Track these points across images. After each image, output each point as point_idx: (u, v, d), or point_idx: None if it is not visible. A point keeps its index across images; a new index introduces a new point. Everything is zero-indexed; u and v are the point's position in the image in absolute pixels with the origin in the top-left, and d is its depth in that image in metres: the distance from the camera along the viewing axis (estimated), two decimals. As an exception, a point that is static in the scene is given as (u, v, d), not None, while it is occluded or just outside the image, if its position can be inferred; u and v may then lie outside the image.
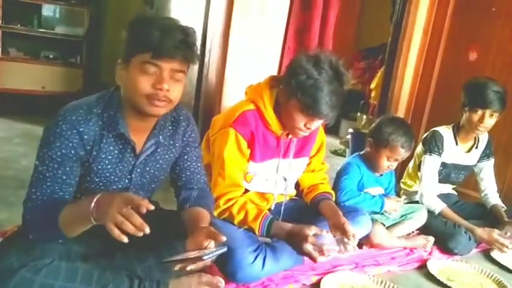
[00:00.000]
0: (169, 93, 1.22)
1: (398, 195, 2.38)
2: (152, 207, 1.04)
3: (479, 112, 2.25)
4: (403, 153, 2.10)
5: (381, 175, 2.26)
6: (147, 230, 1.01)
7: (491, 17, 2.91)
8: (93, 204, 1.08)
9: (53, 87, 4.58)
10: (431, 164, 2.38)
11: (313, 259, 1.54)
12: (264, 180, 1.81)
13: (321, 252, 1.53)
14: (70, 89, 4.60)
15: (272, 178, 1.82)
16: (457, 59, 3.08)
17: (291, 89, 1.59)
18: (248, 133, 1.67)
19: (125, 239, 1.00)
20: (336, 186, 2.17)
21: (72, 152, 1.23)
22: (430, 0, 3.15)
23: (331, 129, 1.80)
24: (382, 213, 2.20)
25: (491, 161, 2.51)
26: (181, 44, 1.19)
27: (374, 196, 2.17)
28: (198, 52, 1.30)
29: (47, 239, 1.22)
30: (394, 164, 2.17)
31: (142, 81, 1.20)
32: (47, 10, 4.63)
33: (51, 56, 4.63)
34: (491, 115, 2.25)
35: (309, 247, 1.52)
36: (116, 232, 1.00)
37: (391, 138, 2.08)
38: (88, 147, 1.26)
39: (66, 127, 1.21)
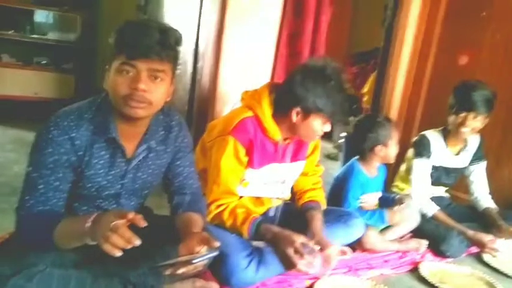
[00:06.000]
0: (148, 94, 1.20)
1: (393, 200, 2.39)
2: (143, 224, 1.05)
3: (462, 114, 2.28)
4: (396, 136, 2.23)
5: (377, 176, 2.31)
6: (137, 242, 1.01)
7: (481, 22, 2.94)
8: (89, 223, 1.08)
9: (45, 93, 4.57)
10: (421, 168, 2.40)
11: (294, 264, 1.52)
12: (263, 184, 1.82)
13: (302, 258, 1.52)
14: (63, 95, 4.59)
15: (270, 182, 1.83)
16: (449, 63, 3.10)
17: (308, 107, 1.65)
18: (247, 141, 1.68)
19: (118, 253, 1.00)
20: (335, 191, 2.25)
21: (65, 157, 1.23)
22: (421, 5, 3.17)
23: (324, 134, 1.82)
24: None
25: (483, 163, 2.53)
26: (156, 44, 1.18)
27: (374, 213, 2.22)
28: (179, 51, 1.29)
29: (40, 249, 1.22)
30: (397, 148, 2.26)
31: (119, 83, 1.19)
32: (40, 16, 4.62)
33: (43, 62, 4.62)
34: (475, 117, 2.27)
35: (292, 252, 1.52)
36: (107, 247, 1.00)
37: (381, 136, 2.18)
38: (80, 153, 1.26)
39: (58, 133, 1.21)
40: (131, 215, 1.04)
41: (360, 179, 2.23)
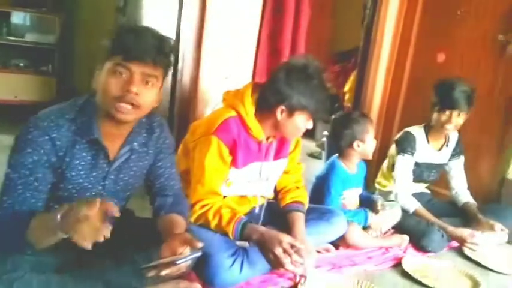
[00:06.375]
0: (139, 98, 1.21)
1: (373, 205, 2.40)
2: (115, 210, 1.02)
3: (447, 112, 2.33)
4: (372, 131, 2.25)
5: (357, 172, 2.33)
6: (108, 234, 0.99)
7: (458, 20, 2.99)
8: (58, 216, 1.04)
9: (26, 96, 4.48)
10: (404, 164, 2.43)
11: (282, 264, 1.52)
12: (246, 182, 1.82)
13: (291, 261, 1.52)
14: (43, 97, 4.50)
15: (254, 180, 1.83)
16: (427, 61, 3.15)
17: (293, 105, 1.66)
18: (230, 140, 1.68)
19: (88, 245, 0.97)
20: (317, 189, 2.26)
21: (44, 158, 1.22)
22: (399, 4, 3.21)
23: (307, 132, 1.84)
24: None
25: (462, 159, 2.58)
26: (153, 48, 1.21)
27: (357, 213, 2.23)
28: (172, 59, 1.31)
29: (14, 251, 1.20)
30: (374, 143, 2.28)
31: (112, 83, 1.20)
32: (17, 18, 4.52)
33: (21, 65, 4.54)
34: (459, 115, 2.32)
35: (280, 251, 1.52)
36: (77, 239, 0.97)
37: (357, 132, 2.21)
38: (60, 154, 1.24)
39: (38, 133, 1.20)
40: (100, 204, 1.00)
41: (341, 175, 2.25)
